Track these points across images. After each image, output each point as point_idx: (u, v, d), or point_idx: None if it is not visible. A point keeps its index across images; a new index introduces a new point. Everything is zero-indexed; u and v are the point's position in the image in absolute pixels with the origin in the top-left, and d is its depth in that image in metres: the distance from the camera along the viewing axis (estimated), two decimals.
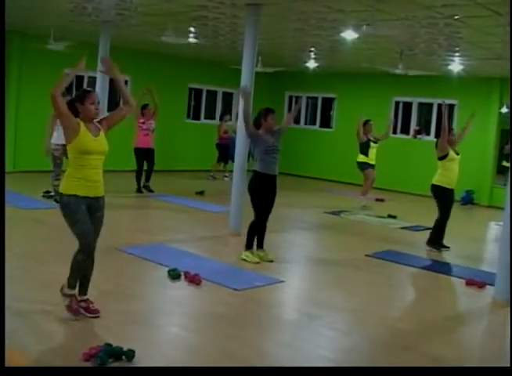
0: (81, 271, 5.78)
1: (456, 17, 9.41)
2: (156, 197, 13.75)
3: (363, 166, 14.47)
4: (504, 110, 17.73)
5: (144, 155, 14.33)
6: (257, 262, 8.45)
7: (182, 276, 7.43)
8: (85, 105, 5.61)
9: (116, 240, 8.80)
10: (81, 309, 5.80)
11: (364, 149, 14.29)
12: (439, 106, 17.99)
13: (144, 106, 14.29)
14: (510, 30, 8.92)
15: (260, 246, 8.77)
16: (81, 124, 5.56)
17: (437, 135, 10.28)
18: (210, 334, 5.81)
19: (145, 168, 14.43)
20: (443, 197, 10.12)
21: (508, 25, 9.25)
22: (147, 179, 14.45)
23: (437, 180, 10.14)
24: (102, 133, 5.72)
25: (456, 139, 10.31)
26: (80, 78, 16.91)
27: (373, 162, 14.37)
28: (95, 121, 5.74)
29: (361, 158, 14.42)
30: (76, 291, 5.83)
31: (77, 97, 5.71)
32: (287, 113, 8.90)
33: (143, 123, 14.16)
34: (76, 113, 5.59)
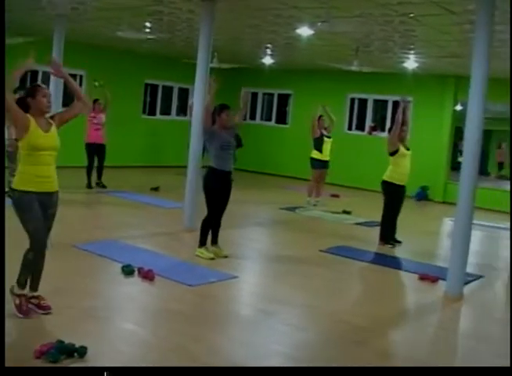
0: (31, 269, 5.73)
1: (411, 15, 9.49)
2: (110, 193, 13.64)
3: (315, 164, 14.42)
4: (458, 107, 17.96)
5: (95, 150, 14.20)
6: (212, 258, 8.43)
7: (136, 272, 7.40)
8: (37, 98, 5.55)
9: (69, 237, 8.72)
10: (32, 305, 5.74)
11: (318, 145, 14.24)
12: (394, 103, 18.12)
13: (94, 101, 14.17)
14: (510, 29, 8.99)
15: (214, 242, 8.75)
16: (31, 119, 5.49)
17: (389, 131, 10.32)
18: (163, 330, 5.79)
19: (96, 164, 14.31)
20: (393, 194, 10.17)
21: (463, 24, 9.38)
22: (99, 176, 14.31)
23: (388, 177, 10.18)
24: (53, 128, 5.65)
25: (406, 135, 10.38)
26: (34, 74, 16.71)
27: (326, 158, 14.33)
28: (47, 116, 5.68)
29: (314, 154, 14.38)
30: (27, 290, 5.77)
31: (28, 92, 5.65)
32: (239, 108, 8.86)
33: (94, 117, 14.01)
34: (26, 109, 5.53)
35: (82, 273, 7.40)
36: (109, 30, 13.66)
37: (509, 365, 5.33)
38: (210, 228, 8.69)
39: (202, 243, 8.64)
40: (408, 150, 10.25)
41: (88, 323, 5.72)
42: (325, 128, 14.44)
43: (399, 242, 10.35)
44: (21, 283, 5.73)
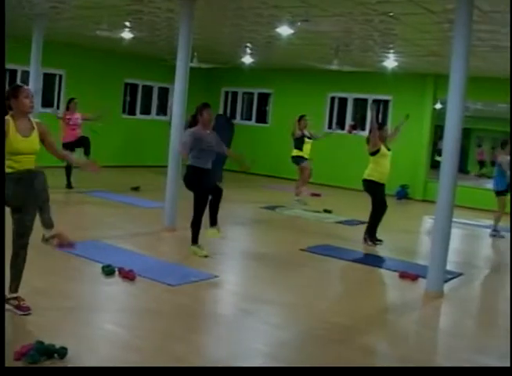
0: (46, 200, 5.77)
1: (391, 14, 9.52)
2: (90, 192, 13.57)
3: (298, 160, 14.52)
4: (438, 106, 18.04)
5: (76, 145, 13.88)
6: (206, 256, 8.52)
7: (116, 273, 7.36)
8: (19, 99, 5.47)
9: None
10: (11, 306, 5.70)
11: (298, 144, 14.36)
12: (373, 102, 18.23)
13: (70, 101, 14.10)
14: (510, 30, 9.01)
15: (214, 223, 8.89)
16: (10, 122, 5.40)
17: (370, 132, 10.41)
18: (144, 331, 5.76)
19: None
20: (376, 192, 10.23)
21: (442, 23, 9.41)
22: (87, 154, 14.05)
23: (368, 175, 10.24)
24: (35, 133, 5.57)
25: (387, 136, 10.45)
26: (13, 73, 16.61)
27: (307, 156, 14.45)
28: (32, 119, 5.61)
29: (295, 152, 14.48)
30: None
31: (11, 92, 5.57)
32: (235, 154, 9.27)
33: (69, 119, 13.83)
34: (6, 110, 5.46)
35: (62, 274, 7.35)
36: (89, 29, 13.58)
37: (504, 364, 5.38)
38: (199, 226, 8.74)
39: (194, 240, 8.72)
40: (389, 150, 10.31)
41: (69, 324, 5.68)
42: (310, 134, 14.52)
43: (380, 241, 10.37)
44: (51, 224, 5.75)
